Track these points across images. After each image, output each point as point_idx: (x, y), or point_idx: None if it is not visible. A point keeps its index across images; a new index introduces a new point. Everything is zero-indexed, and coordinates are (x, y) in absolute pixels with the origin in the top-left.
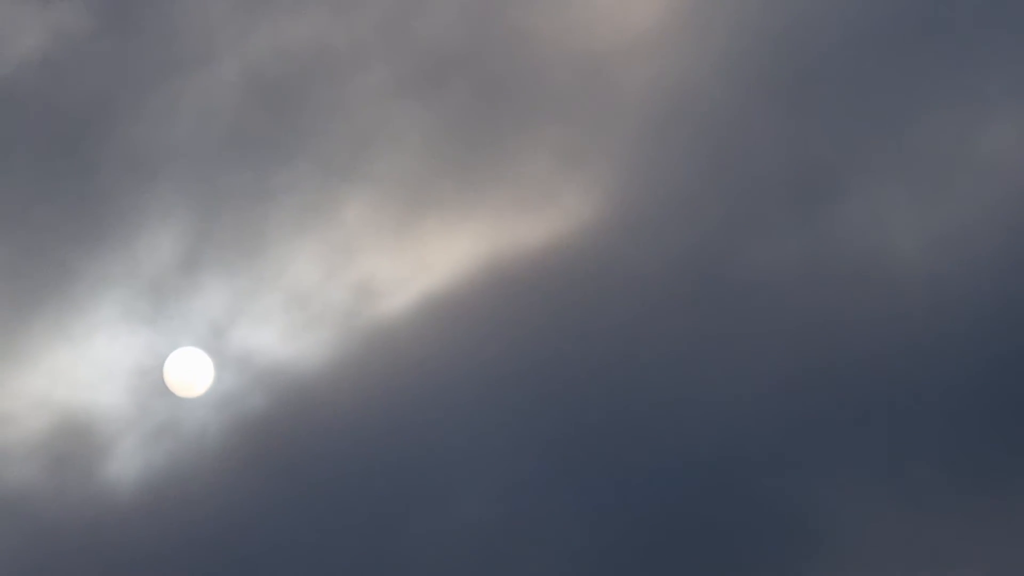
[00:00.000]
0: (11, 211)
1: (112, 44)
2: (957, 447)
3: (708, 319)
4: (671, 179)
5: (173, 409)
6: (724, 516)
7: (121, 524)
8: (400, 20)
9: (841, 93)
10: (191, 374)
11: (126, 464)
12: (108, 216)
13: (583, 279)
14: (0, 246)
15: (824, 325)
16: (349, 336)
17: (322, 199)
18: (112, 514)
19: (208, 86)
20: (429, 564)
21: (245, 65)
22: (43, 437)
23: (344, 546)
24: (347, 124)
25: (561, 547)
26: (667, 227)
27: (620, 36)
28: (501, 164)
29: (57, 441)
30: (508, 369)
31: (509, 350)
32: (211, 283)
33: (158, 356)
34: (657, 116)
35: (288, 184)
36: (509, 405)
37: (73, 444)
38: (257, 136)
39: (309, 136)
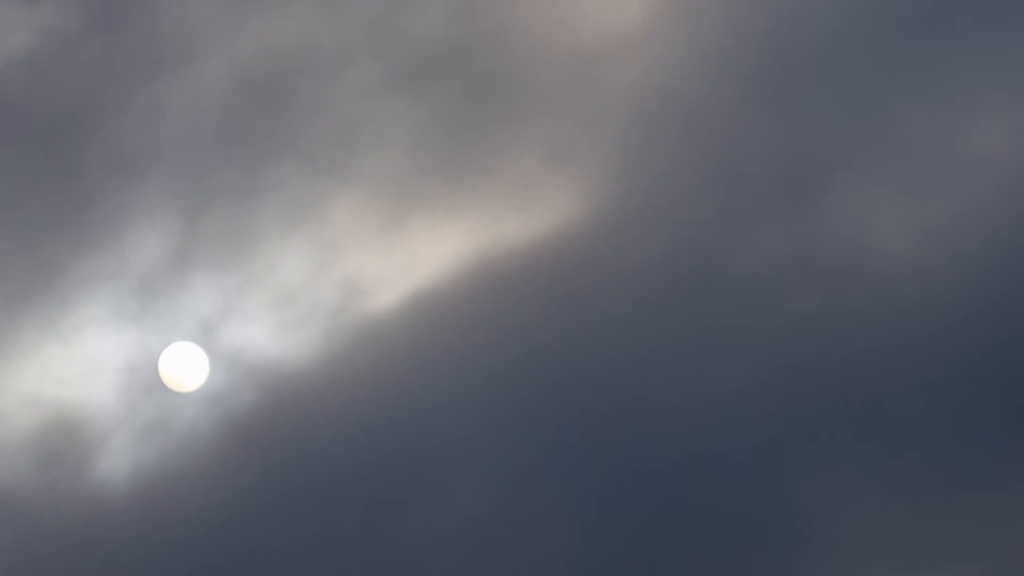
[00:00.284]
0: None
1: (99, 43)
2: (943, 441)
3: (696, 314)
4: (658, 176)
5: (163, 406)
6: (714, 511)
7: (111, 521)
8: (387, 18)
9: (827, 89)
10: (186, 368)
11: (116, 461)
12: (96, 214)
13: (571, 275)
14: None
15: (812, 320)
16: (337, 333)
17: (310, 197)
18: (102, 511)
19: (195, 84)
20: (420, 560)
21: (232, 63)
22: (33, 435)
23: (334, 542)
24: (334, 122)
25: (552, 543)
26: (654, 223)
27: (607, 34)
28: (488, 161)
29: (47, 439)
30: (497, 365)
31: (498, 346)
32: (200, 281)
33: (148, 353)
34: (644, 113)
35: (276, 182)
36: (498, 401)
37: (63, 442)
38: (244, 134)
39: (296, 134)
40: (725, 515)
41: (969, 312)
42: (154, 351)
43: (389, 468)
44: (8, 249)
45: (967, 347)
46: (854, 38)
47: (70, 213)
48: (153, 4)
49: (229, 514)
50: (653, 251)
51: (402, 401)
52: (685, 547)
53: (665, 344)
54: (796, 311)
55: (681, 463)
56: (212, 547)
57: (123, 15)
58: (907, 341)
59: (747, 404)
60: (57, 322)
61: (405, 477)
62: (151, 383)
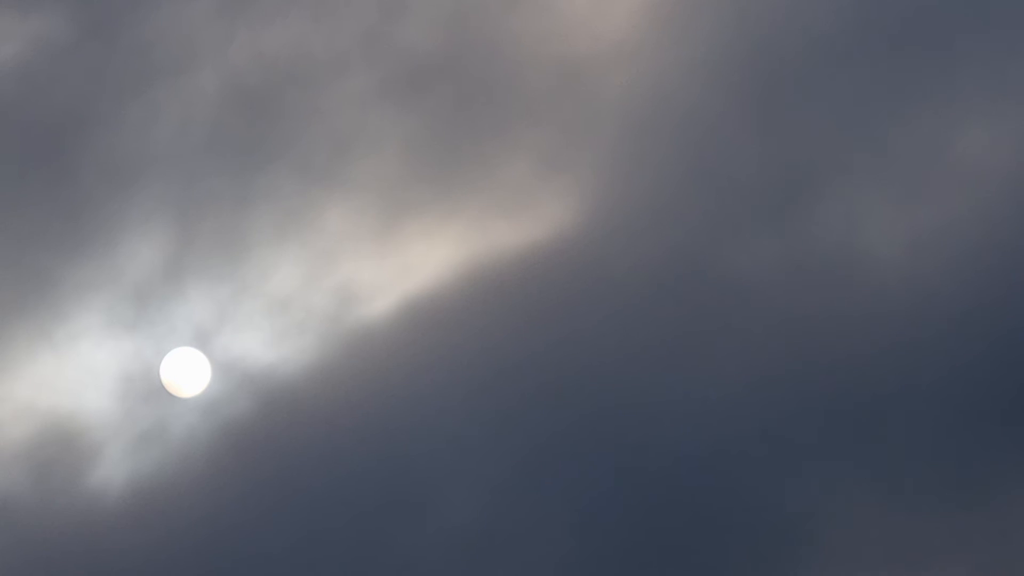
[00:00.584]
0: None
1: (91, 53)
2: (936, 444)
3: (687, 321)
4: (649, 183)
5: (158, 415)
6: (706, 515)
7: (107, 530)
8: (379, 27)
9: (817, 97)
10: (188, 374)
11: (112, 470)
12: (89, 223)
13: (562, 282)
14: None
15: (802, 326)
16: (331, 340)
17: (303, 205)
18: (98, 520)
19: (188, 93)
20: (415, 566)
21: (224, 72)
22: (28, 444)
23: (330, 549)
24: (327, 130)
25: (545, 549)
26: (645, 231)
27: (597, 42)
28: (480, 169)
29: (42, 448)
30: (489, 372)
31: (490, 353)
32: (193, 289)
33: (142, 362)
34: (635, 121)
35: (268, 190)
36: (491, 408)
37: (58, 451)
38: (237, 143)
39: (289, 143)
40: (719, 519)
41: (959, 317)
42: (148, 360)
43: (383, 474)
44: (1, 259)
45: (958, 352)
46: (844, 46)
47: (63, 222)
48: (145, 14)
49: (224, 523)
50: (644, 258)
51: (396, 407)
52: (680, 551)
53: (656, 351)
54: (787, 318)
55: (674, 469)
56: (207, 556)
57: (115, 25)
58: (898, 346)
59: (738, 410)
60: (51, 331)
61: (399, 483)
62: (146, 392)
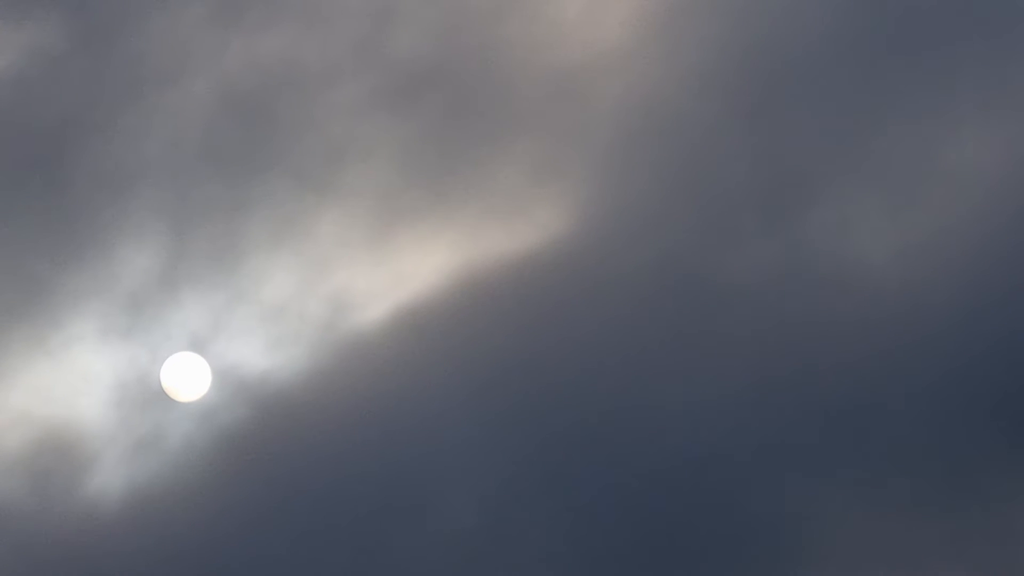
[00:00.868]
0: None
1: (86, 62)
2: (930, 449)
3: (680, 327)
4: (642, 190)
5: (154, 422)
6: (704, 519)
7: (104, 537)
8: (372, 35)
9: (810, 105)
10: (188, 379)
11: (108, 478)
12: (84, 231)
13: (556, 289)
14: None
15: (796, 331)
16: (326, 347)
17: (297, 213)
18: (95, 528)
19: (182, 102)
20: (412, 571)
21: (218, 81)
22: (24, 452)
23: (324, 554)
24: (320, 138)
25: (542, 553)
26: (639, 237)
27: (590, 51)
28: (473, 177)
29: (38, 456)
30: (483, 378)
31: (484, 359)
32: (188, 296)
33: (138, 369)
34: (628, 128)
35: (262, 198)
36: (485, 413)
37: (55, 459)
38: (231, 151)
39: (283, 150)
40: (716, 522)
41: (951, 322)
42: (144, 367)
43: (379, 480)
44: None
45: (951, 356)
46: (836, 53)
47: (58, 230)
48: (139, 23)
49: (221, 528)
50: (637, 264)
51: (391, 414)
52: (677, 553)
53: (650, 357)
54: (780, 323)
55: (669, 472)
56: (205, 561)
57: (109, 34)
58: (891, 350)
59: (734, 414)
60: (46, 339)
61: (395, 489)
62: (142, 399)
